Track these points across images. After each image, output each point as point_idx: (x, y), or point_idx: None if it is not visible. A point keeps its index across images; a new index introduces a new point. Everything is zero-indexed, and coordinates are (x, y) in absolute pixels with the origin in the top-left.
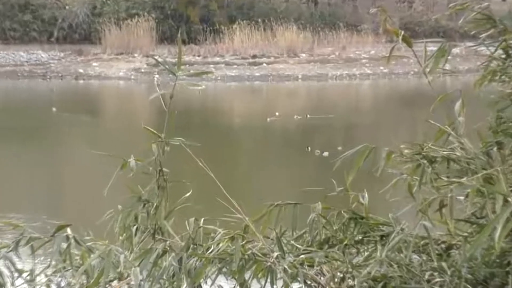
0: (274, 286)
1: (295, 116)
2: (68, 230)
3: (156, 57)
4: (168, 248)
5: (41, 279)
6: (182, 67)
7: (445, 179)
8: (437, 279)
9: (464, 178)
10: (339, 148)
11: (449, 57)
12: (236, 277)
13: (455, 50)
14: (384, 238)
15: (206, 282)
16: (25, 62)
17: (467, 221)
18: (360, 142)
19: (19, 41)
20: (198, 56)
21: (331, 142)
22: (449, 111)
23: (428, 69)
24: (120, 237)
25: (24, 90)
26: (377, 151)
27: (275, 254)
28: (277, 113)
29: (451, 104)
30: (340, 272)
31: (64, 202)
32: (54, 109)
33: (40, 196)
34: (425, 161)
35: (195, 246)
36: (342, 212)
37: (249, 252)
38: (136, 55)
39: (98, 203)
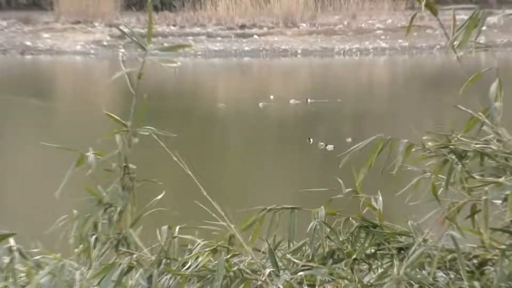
0: None
1: (292, 101)
2: (11, 241)
3: (121, 27)
4: (135, 263)
5: None
6: (154, 39)
7: (478, 178)
8: None
9: (502, 178)
10: (348, 140)
11: (483, 28)
12: None
13: (491, 19)
14: (402, 252)
15: None
16: None
17: (506, 231)
18: (373, 133)
19: None
20: (174, 26)
21: (337, 133)
22: (483, 94)
23: (457, 43)
24: (76, 250)
25: None
26: (394, 144)
27: (267, 270)
28: (271, 97)
29: (485, 86)
30: None
31: (7, 206)
32: None
33: None
34: (454, 156)
35: (168, 260)
36: (350, 219)
37: (235, 268)
38: (96, 24)
39: (49, 207)
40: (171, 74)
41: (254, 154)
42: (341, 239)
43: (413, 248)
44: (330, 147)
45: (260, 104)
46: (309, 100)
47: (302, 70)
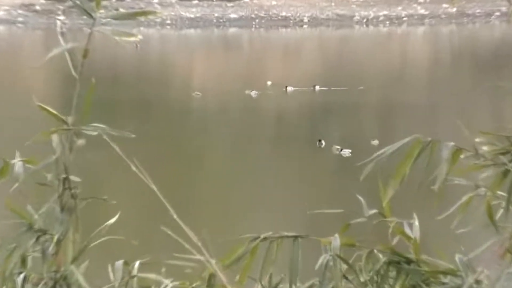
0: None
1: (290, 88)
2: None
3: None
4: None
5: None
6: (105, 2)
7: None
8: None
9: None
10: (374, 142)
11: None
12: None
13: None
14: None
15: None
16: None
17: None
18: (406, 132)
19: None
20: None
21: (357, 133)
22: None
23: None
24: None
25: None
26: (435, 148)
27: None
28: (268, 83)
29: None
30: None
31: None
32: None
33: None
34: None
35: None
36: (375, 251)
37: None
38: None
39: None
40: (129, 51)
41: (243, 161)
42: (362, 279)
43: None
44: (347, 152)
45: (252, 93)
46: (317, 87)
47: (310, 45)
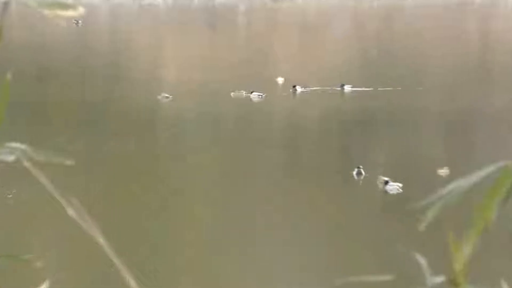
0: None
1: (297, 88)
2: None
3: None
4: None
5: None
6: None
7: None
8: None
9: None
10: (442, 171)
11: None
12: None
13: None
14: None
15: None
16: None
17: None
18: (484, 154)
19: None
20: None
21: (411, 156)
22: None
23: None
24: None
25: None
26: None
27: None
28: (279, 80)
29: None
30: None
31: None
32: None
33: None
34: None
35: None
36: None
37: None
38: None
39: None
40: (66, 31)
41: (238, 203)
42: None
43: None
44: (395, 187)
45: (254, 95)
46: (347, 87)
47: (339, 22)
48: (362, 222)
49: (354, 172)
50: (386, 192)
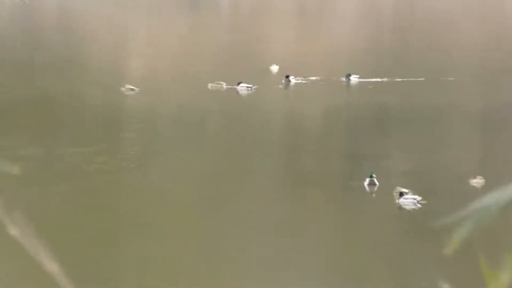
0: None
1: (291, 79)
2: None
3: None
4: None
5: None
6: None
7: None
8: None
9: None
10: (476, 180)
11: None
12: None
13: None
14: None
15: None
16: None
17: None
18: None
19: None
20: None
21: (436, 162)
22: None
23: None
24: None
25: None
26: None
27: None
28: (273, 68)
29: None
30: None
31: None
32: None
33: None
34: None
35: None
36: None
37: None
38: None
39: None
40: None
41: (218, 212)
42: None
43: None
44: (410, 200)
45: (242, 87)
46: (352, 77)
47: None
48: (374, 250)
49: (366, 183)
50: (403, 207)
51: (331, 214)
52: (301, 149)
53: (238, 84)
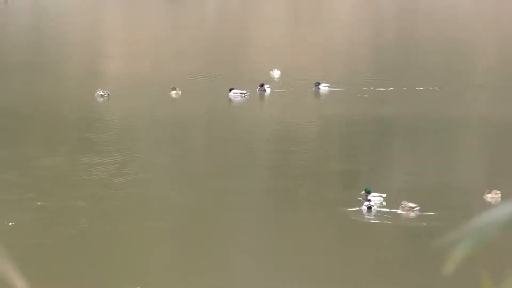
0: None
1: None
2: None
3: None
4: None
5: None
6: None
7: None
8: None
9: None
10: (490, 196)
11: None
12: None
13: None
14: None
15: None
16: None
17: None
18: None
19: None
20: None
21: (447, 175)
22: None
23: None
24: None
25: None
26: None
27: None
28: (274, 73)
29: None
30: None
31: None
32: None
33: None
34: None
35: None
36: None
37: None
38: None
39: None
40: None
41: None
42: None
43: None
44: (412, 210)
45: (234, 94)
46: (322, 85)
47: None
48: (376, 273)
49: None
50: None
51: (325, 246)
52: (298, 173)
53: (230, 90)
